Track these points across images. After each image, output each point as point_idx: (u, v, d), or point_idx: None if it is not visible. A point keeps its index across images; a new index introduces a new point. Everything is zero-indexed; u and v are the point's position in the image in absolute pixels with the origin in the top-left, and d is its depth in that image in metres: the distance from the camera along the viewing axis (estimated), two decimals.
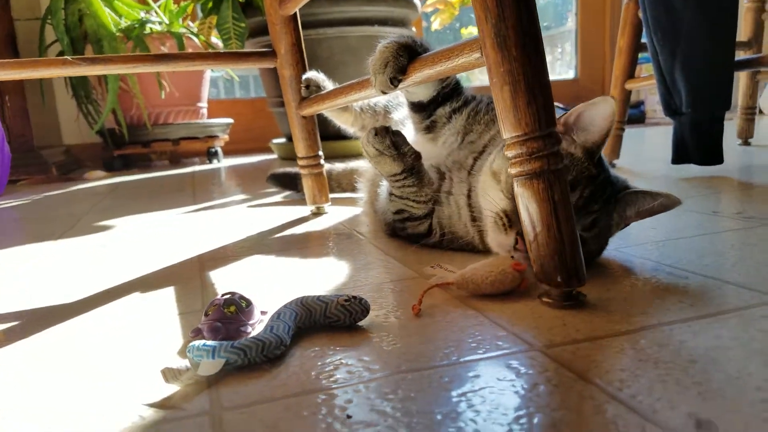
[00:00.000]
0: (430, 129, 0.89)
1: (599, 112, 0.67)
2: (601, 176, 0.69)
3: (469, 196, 0.79)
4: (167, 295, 0.71)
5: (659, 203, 0.70)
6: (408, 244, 0.88)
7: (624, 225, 0.73)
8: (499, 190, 0.70)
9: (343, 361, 0.48)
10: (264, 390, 0.44)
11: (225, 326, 0.54)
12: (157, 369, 0.49)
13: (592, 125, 0.68)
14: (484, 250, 0.77)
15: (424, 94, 0.87)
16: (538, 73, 0.55)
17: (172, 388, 0.45)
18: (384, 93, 0.77)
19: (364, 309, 0.56)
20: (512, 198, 0.67)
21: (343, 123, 1.24)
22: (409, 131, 0.95)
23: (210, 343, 0.47)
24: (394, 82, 0.73)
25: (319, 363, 0.48)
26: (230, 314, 0.55)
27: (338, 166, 1.43)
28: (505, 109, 0.56)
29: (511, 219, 0.68)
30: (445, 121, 0.87)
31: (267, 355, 0.48)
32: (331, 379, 0.45)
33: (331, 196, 1.30)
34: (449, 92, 0.86)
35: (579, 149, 0.69)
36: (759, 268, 0.66)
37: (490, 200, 0.71)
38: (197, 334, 0.54)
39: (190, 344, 0.47)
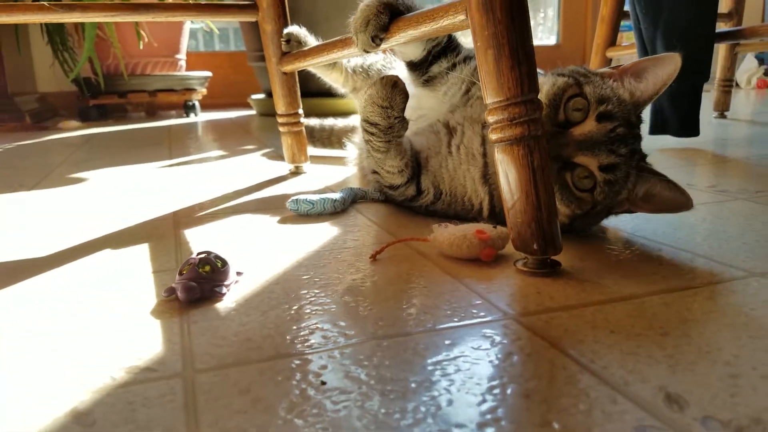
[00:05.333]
0: (428, 83, 0.87)
1: (664, 64, 0.66)
2: (637, 130, 0.68)
3: (483, 146, 0.76)
4: (141, 252, 0.70)
5: (672, 198, 0.65)
6: (397, 209, 0.87)
7: (626, 208, 0.69)
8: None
9: (318, 325, 0.48)
10: (238, 353, 0.44)
11: (200, 286, 0.53)
12: (129, 329, 0.48)
13: (651, 76, 0.67)
14: (489, 217, 0.76)
15: (413, 53, 0.85)
16: (522, 37, 0.54)
17: (146, 349, 0.45)
18: (366, 52, 0.75)
19: None
20: (549, 104, 0.66)
21: (333, 82, 1.21)
22: (407, 87, 0.93)
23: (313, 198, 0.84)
24: (376, 40, 0.72)
25: (294, 327, 0.47)
26: (205, 274, 0.54)
27: (340, 122, 1.42)
28: (488, 74, 0.55)
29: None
30: (445, 74, 0.85)
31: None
32: (306, 343, 0.44)
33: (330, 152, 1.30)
34: (441, 50, 0.84)
35: (627, 94, 0.68)
36: (729, 241, 0.67)
37: None
38: (171, 293, 0.54)
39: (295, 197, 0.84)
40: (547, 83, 0.68)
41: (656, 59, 0.67)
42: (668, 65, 0.66)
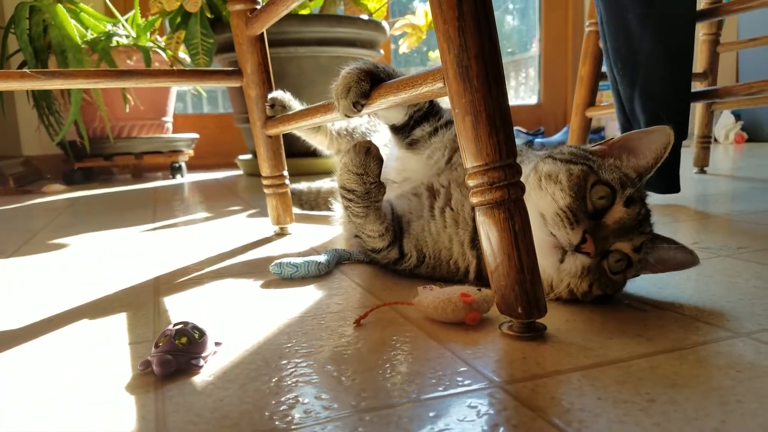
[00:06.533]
0: (411, 145, 0.88)
1: (655, 138, 0.68)
2: (648, 205, 0.70)
3: (474, 209, 0.76)
4: (118, 322, 0.68)
5: (683, 259, 0.69)
6: (382, 271, 0.87)
7: (637, 272, 0.69)
8: (559, 189, 0.66)
9: (299, 398, 0.46)
10: (214, 431, 0.42)
11: (176, 359, 0.52)
12: (102, 406, 0.46)
13: (646, 150, 0.69)
14: (476, 280, 0.76)
15: (395, 118, 0.86)
16: (499, 104, 0.55)
17: (119, 429, 0.43)
18: (348, 117, 0.77)
19: None
20: (575, 196, 0.65)
21: (318, 144, 1.23)
22: (392, 149, 0.94)
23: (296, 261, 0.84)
24: (357, 106, 0.73)
25: (274, 401, 0.46)
26: (181, 346, 0.53)
27: (328, 184, 1.43)
28: (466, 139, 0.56)
29: (576, 215, 0.64)
30: (428, 138, 0.85)
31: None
32: (286, 419, 0.43)
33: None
34: (423, 115, 0.85)
35: (632, 171, 0.69)
36: (714, 300, 0.67)
37: (547, 201, 0.66)
38: (146, 366, 0.52)
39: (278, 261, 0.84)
40: (561, 172, 0.67)
41: (647, 132, 0.69)
42: (661, 137, 0.68)
